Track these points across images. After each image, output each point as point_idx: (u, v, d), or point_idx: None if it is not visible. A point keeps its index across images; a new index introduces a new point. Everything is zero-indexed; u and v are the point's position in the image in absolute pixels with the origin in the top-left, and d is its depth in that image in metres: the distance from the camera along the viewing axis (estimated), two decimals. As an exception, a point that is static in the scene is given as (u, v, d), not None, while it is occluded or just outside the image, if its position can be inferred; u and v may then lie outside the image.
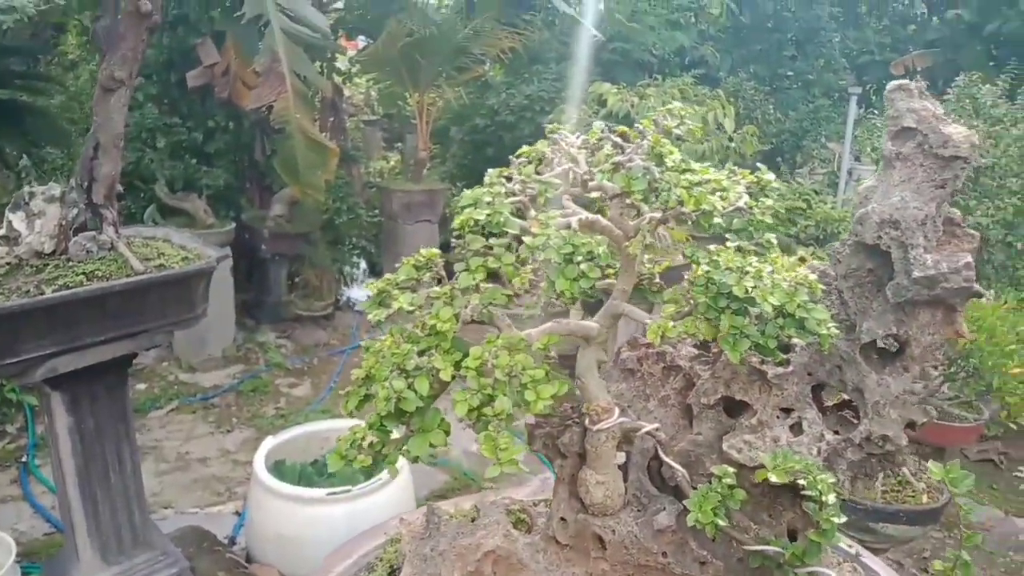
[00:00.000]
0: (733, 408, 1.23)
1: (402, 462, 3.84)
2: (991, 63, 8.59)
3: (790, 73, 10.02)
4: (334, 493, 3.44)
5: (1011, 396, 3.08)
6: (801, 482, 1.01)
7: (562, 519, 1.21)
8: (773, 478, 1.00)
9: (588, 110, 4.89)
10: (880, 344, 1.13)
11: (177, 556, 3.20)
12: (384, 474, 3.48)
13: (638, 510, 1.20)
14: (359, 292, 6.98)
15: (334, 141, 5.89)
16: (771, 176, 1.17)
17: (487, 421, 0.94)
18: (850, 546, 1.42)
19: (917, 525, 3.35)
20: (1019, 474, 2.47)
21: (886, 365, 1.15)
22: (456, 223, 1.05)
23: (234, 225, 5.99)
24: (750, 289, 0.98)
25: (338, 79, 6.87)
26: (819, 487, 0.99)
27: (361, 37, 7.58)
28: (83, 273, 2.58)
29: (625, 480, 1.23)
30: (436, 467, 4.84)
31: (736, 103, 8.33)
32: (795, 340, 1.16)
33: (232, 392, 5.89)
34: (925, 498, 3.44)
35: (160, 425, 5.47)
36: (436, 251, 1.08)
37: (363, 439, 1.02)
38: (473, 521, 1.27)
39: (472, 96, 7.57)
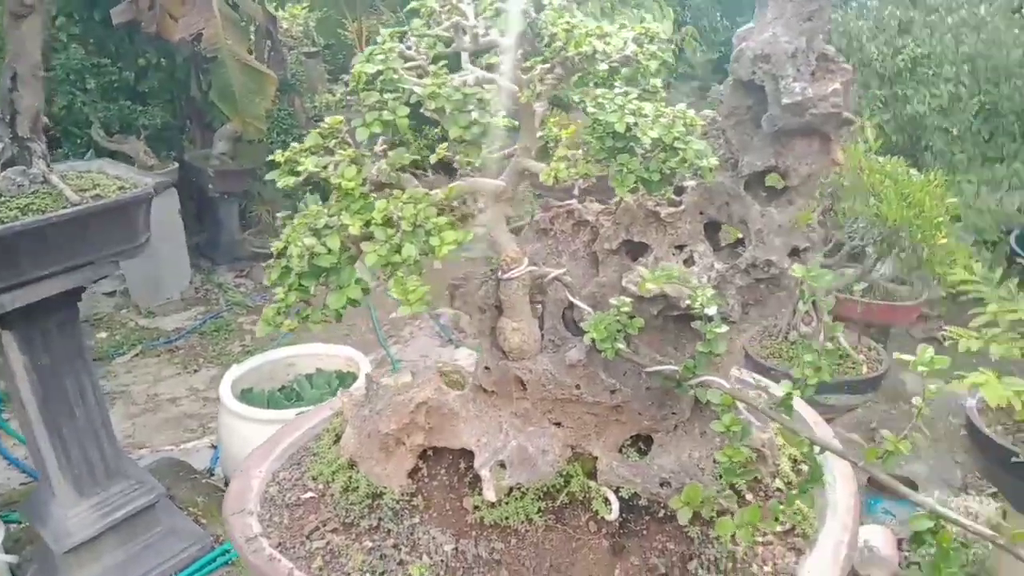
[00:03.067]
0: (635, 252, 1.30)
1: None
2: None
3: (736, -23, 9.89)
4: (303, 412, 3.52)
5: (940, 266, 3.22)
6: (686, 302, 1.09)
7: (486, 368, 1.29)
8: (650, 286, 1.08)
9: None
10: (768, 184, 1.20)
11: (153, 484, 3.28)
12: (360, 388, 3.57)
13: (553, 352, 1.28)
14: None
15: (272, 71, 5.74)
16: (659, 27, 1.22)
17: (396, 267, 1.00)
18: (758, 380, 1.54)
19: (858, 394, 3.56)
20: (945, 333, 2.62)
21: (773, 200, 1.23)
22: (350, 79, 1.08)
23: (177, 165, 5.86)
24: (631, 125, 1.04)
25: (271, 5, 6.64)
26: (700, 299, 1.07)
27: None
28: (17, 208, 2.54)
29: (541, 328, 1.31)
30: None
31: (681, 12, 8.25)
32: (687, 182, 1.23)
33: (195, 334, 5.89)
34: (865, 369, 3.64)
35: (126, 371, 5.47)
36: (339, 118, 1.11)
37: (287, 303, 1.08)
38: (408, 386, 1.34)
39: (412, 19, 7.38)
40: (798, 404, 1.50)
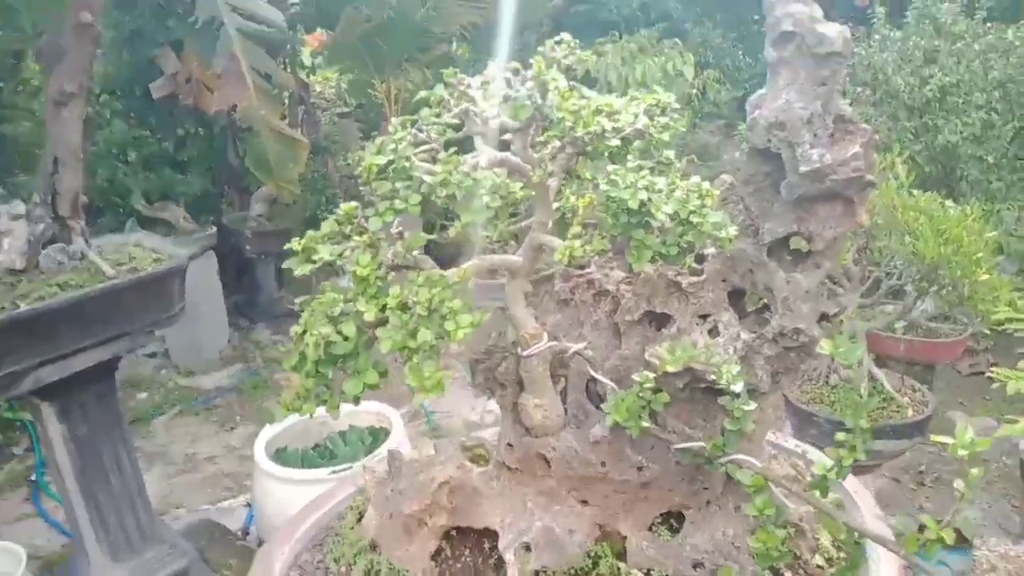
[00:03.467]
0: (658, 322, 1.28)
1: (401, 437, 3.91)
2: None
3: (756, 17, 9.95)
4: (336, 471, 3.51)
5: (982, 303, 3.12)
6: (712, 376, 1.06)
7: (509, 444, 1.27)
8: (670, 368, 1.05)
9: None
10: (793, 247, 1.17)
11: (186, 548, 3.28)
12: (383, 449, 3.55)
13: (577, 428, 1.25)
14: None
15: (305, 135, 5.91)
16: (671, 97, 1.21)
17: (412, 353, 0.99)
18: (797, 446, 1.48)
19: (904, 439, 3.42)
20: (991, 374, 2.52)
21: (798, 264, 1.20)
22: (360, 170, 1.09)
23: (215, 229, 6.03)
24: (645, 201, 1.02)
25: (302, 73, 6.87)
26: (725, 376, 1.04)
27: (319, 29, 7.55)
28: (56, 284, 2.62)
29: (565, 403, 1.28)
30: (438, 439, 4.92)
31: (704, 52, 8.30)
32: (708, 250, 1.21)
33: (233, 392, 5.96)
34: (910, 412, 3.51)
35: (165, 430, 5.55)
36: (354, 204, 1.12)
37: (306, 388, 1.07)
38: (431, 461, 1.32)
39: (440, 76, 7.54)
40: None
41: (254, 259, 6.51)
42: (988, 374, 2.86)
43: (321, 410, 3.84)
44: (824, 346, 1.04)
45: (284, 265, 1.12)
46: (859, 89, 5.59)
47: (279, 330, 6.76)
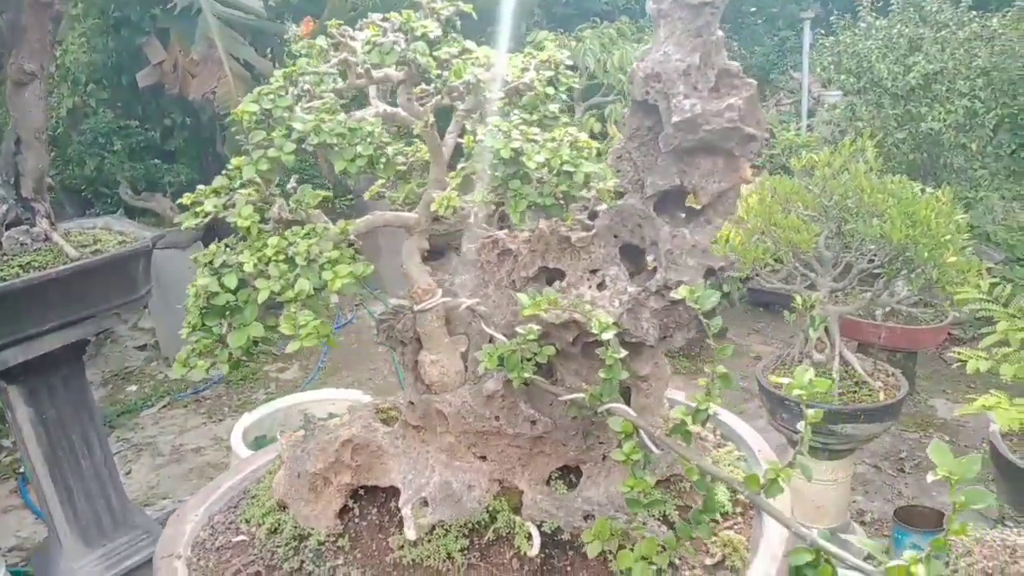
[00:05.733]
0: (554, 278, 1.28)
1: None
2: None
3: (753, 9, 9.92)
4: (255, 454, 3.50)
5: (951, 286, 3.10)
6: (578, 317, 1.06)
7: (410, 402, 1.28)
8: (526, 312, 1.06)
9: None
10: (688, 206, 1.17)
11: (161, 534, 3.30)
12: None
13: (474, 384, 1.26)
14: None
15: (290, 124, 5.92)
16: (564, 54, 1.21)
17: (291, 302, 1.00)
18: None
19: (876, 422, 3.40)
20: (953, 355, 2.51)
21: (691, 220, 1.20)
22: (233, 117, 1.09)
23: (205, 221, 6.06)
24: (516, 151, 1.03)
25: (290, 62, 6.88)
26: (595, 324, 1.04)
27: (309, 17, 7.57)
28: (19, 266, 2.64)
29: (467, 361, 1.29)
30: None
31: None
32: (600, 206, 1.21)
33: (221, 383, 5.99)
34: (882, 395, 3.49)
35: (153, 422, 5.59)
36: (243, 159, 1.13)
37: (200, 345, 1.08)
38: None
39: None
40: (744, 431, 1.45)
41: (243, 250, 6.55)
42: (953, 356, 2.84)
43: (301, 397, 3.84)
44: (681, 291, 1.04)
45: (176, 219, 1.13)
46: (843, 77, 5.57)
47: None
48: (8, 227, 2.73)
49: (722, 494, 1.26)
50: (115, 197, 5.86)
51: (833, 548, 0.85)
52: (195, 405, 5.76)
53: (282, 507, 1.32)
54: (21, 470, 4.91)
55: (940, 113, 4.98)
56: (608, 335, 1.05)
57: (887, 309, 4.42)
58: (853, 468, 3.93)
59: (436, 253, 1.43)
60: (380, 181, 1.32)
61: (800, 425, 0.90)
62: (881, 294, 3.57)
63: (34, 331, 2.65)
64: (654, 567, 0.94)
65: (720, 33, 1.12)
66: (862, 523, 4.03)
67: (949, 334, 4.83)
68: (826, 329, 3.65)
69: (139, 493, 4.67)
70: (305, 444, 1.31)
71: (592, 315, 1.06)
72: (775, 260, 3.64)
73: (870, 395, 3.50)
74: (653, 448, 1.00)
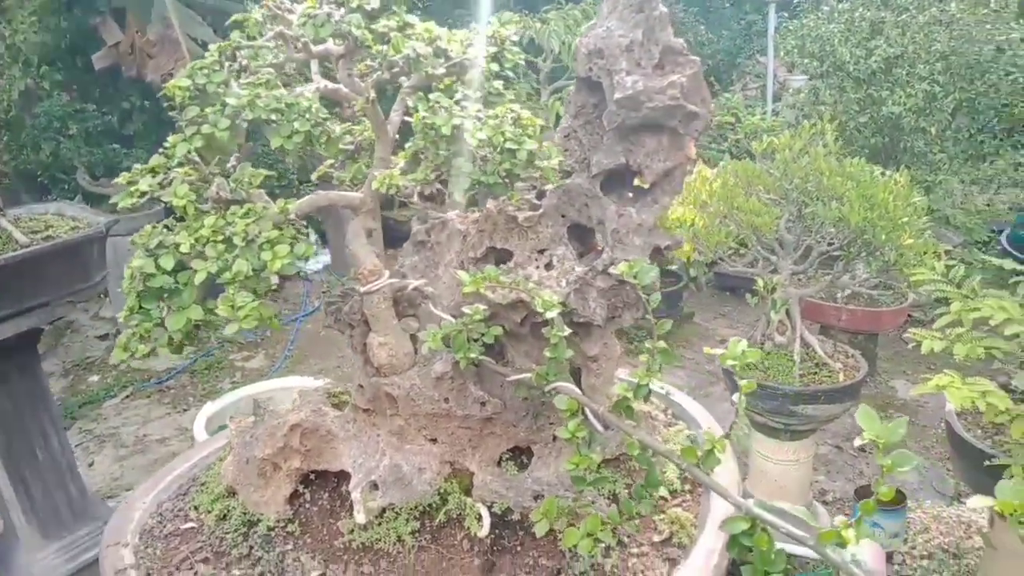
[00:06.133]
0: (503, 259, 1.27)
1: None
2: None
3: (724, -8, 9.95)
4: (205, 440, 3.46)
5: (908, 268, 3.15)
6: (523, 296, 1.05)
7: (360, 386, 1.27)
8: (466, 290, 1.05)
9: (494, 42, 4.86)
10: (636, 185, 1.17)
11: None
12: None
13: (424, 366, 1.25)
14: (309, 261, 6.96)
15: (252, 109, 5.81)
16: (510, 31, 1.20)
17: (228, 284, 0.98)
18: (662, 387, 1.49)
19: (836, 403, 3.45)
20: (906, 337, 2.56)
21: (637, 200, 1.20)
22: (167, 91, 1.07)
23: (164, 205, 5.93)
24: (456, 127, 1.02)
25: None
26: (539, 303, 1.04)
27: None
28: (-34, 252, 2.56)
29: (417, 344, 1.28)
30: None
31: (664, 28, 8.29)
32: (548, 186, 1.21)
33: (186, 373, 5.91)
34: (842, 376, 3.55)
35: (116, 413, 5.49)
36: (179, 136, 1.10)
37: (141, 327, 1.06)
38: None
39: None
40: (691, 407, 1.46)
41: (206, 238, 6.43)
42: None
43: (267, 385, 3.79)
44: (620, 267, 1.04)
45: (112, 200, 1.09)
46: (807, 61, 5.61)
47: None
48: (-46, 213, 2.65)
49: (672, 472, 1.27)
50: (72, 183, 5.71)
51: (768, 516, 0.86)
52: (159, 395, 5.68)
53: (231, 493, 1.31)
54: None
55: (900, 97, 5.05)
56: (552, 313, 1.05)
57: (848, 292, 4.49)
58: (815, 448, 3.99)
59: (402, 238, 1.41)
60: (328, 161, 1.30)
61: (735, 397, 0.90)
62: (841, 276, 3.61)
63: (-16, 320, 2.58)
64: (601, 544, 0.95)
65: (664, 9, 1.11)
66: (824, 502, 4.10)
67: (909, 316, 4.92)
68: (787, 312, 3.70)
69: (102, 485, 4.59)
70: (254, 430, 1.29)
71: (536, 294, 1.06)
72: (739, 244, 3.67)
73: (830, 376, 3.55)
74: (599, 427, 1.00)
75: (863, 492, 3.72)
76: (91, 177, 5.66)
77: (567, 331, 1.06)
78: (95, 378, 5.84)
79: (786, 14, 5.92)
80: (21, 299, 2.64)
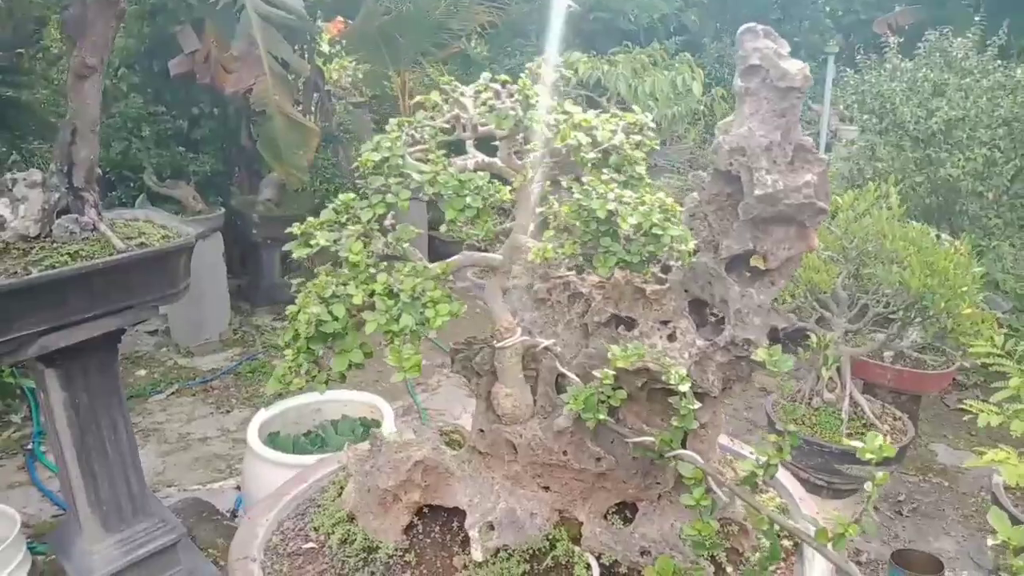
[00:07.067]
0: (624, 325, 1.36)
1: (392, 430, 3.98)
2: (976, 18, 8.58)
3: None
4: (317, 463, 3.57)
5: (964, 336, 3.19)
6: (651, 366, 1.14)
7: (480, 430, 1.35)
8: (620, 363, 1.14)
9: (562, 79, 4.99)
10: (753, 264, 1.25)
11: (176, 523, 3.36)
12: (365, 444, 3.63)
13: (544, 418, 1.34)
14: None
15: (318, 123, 5.98)
16: (647, 117, 1.29)
17: (394, 336, 1.08)
18: (751, 452, 1.56)
19: (880, 465, 3.48)
20: (963, 408, 2.60)
21: (755, 280, 1.28)
22: (357, 163, 1.17)
23: (223, 211, 6.11)
24: (612, 211, 1.11)
25: (319, 60, 6.95)
26: (673, 376, 1.12)
27: (339, 17, 7.63)
28: (68, 253, 2.70)
29: (535, 395, 1.37)
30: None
31: (719, 68, 8.38)
32: (672, 262, 1.29)
33: (230, 374, 6.03)
34: (888, 439, 3.58)
35: (161, 408, 5.62)
36: (352, 195, 1.21)
37: (297, 364, 1.16)
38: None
39: (455, 72, 7.64)
40: (784, 478, 1.53)
41: (260, 243, 6.59)
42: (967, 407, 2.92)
43: (315, 396, 3.91)
44: (760, 354, 1.12)
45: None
46: (866, 117, 5.66)
47: (280, 316, 6.82)
48: (58, 215, 2.80)
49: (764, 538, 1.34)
50: (139, 182, 5.90)
51: None
52: (203, 394, 5.80)
53: (351, 519, 1.40)
54: (28, 447, 4.95)
55: (959, 160, 5.08)
56: (684, 387, 1.13)
57: (894, 353, 4.50)
58: (854, 508, 4.01)
59: (446, 254, 1.49)
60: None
61: (851, 469, 0.96)
62: (895, 339, 3.66)
63: (78, 318, 2.71)
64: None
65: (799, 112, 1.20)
66: (858, 563, 4.10)
67: (954, 379, 4.91)
68: (838, 369, 3.74)
69: (145, 479, 4.72)
70: (374, 460, 1.38)
71: (669, 367, 1.14)
72: (789, 296, 3.73)
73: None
74: (721, 495, 1.08)
75: (899, 557, 3.72)
76: (158, 178, 5.86)
77: (697, 404, 1.15)
78: (142, 372, 6.00)
79: (844, 66, 5.96)
80: (112, 301, 2.77)
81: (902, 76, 5.56)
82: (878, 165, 5.35)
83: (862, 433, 3.65)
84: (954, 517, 4.20)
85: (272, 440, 3.96)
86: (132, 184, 5.94)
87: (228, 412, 5.54)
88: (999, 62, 5.38)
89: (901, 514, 4.29)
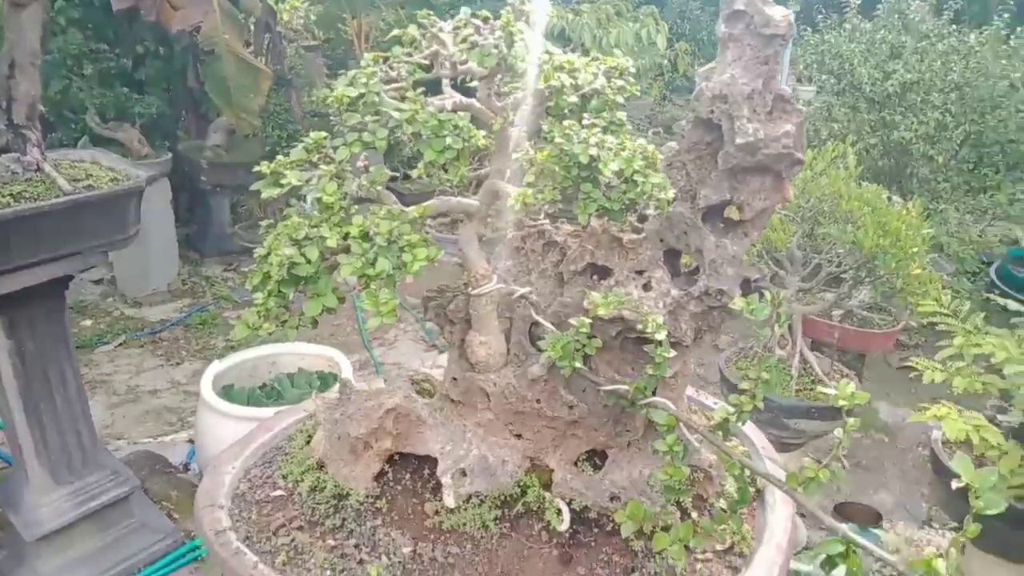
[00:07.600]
0: (599, 274, 1.36)
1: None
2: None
3: (735, -5, 9.98)
4: (280, 412, 3.54)
5: (912, 296, 3.30)
6: (640, 325, 1.15)
7: (453, 379, 1.35)
8: (601, 312, 1.14)
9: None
10: (727, 216, 1.26)
11: (128, 475, 3.30)
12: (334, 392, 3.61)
13: (517, 366, 1.34)
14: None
15: (270, 66, 5.76)
16: (628, 62, 1.28)
17: (370, 280, 1.05)
18: (715, 403, 1.60)
19: (827, 420, 3.62)
20: (907, 366, 2.70)
21: (729, 231, 1.29)
22: (330, 99, 1.13)
23: (170, 155, 5.88)
24: (594, 157, 1.10)
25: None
26: (650, 325, 1.13)
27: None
28: (9, 195, 2.57)
29: (508, 343, 1.37)
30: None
31: (681, 24, 8.33)
32: (649, 211, 1.29)
33: (180, 326, 5.89)
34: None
35: (109, 360, 5.47)
36: (323, 134, 1.17)
37: (266, 308, 1.13)
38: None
39: (413, 18, 7.41)
40: (750, 430, 1.57)
41: (208, 191, 6.37)
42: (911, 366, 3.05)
43: (270, 349, 3.83)
44: (737, 303, 1.14)
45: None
46: (824, 77, 5.71)
47: (230, 267, 6.66)
48: (-1, 154, 2.66)
49: (730, 485, 1.38)
50: (80, 124, 5.62)
51: (862, 541, 0.98)
52: (152, 346, 5.66)
53: (320, 466, 1.39)
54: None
55: (912, 123, 5.18)
56: (661, 335, 1.14)
57: (842, 311, 4.64)
58: (800, 462, 4.17)
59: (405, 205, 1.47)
60: (426, 160, 1.36)
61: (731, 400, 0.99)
62: (845, 298, 3.77)
63: (23, 263, 2.60)
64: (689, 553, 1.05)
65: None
66: (801, 515, 4.28)
67: (898, 339, 5.09)
68: (789, 327, 3.85)
69: (94, 431, 4.61)
70: (344, 408, 1.37)
71: (647, 315, 1.15)
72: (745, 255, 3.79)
73: (825, 394, 3.71)
74: (693, 441, 1.10)
75: (841, 509, 3.89)
76: (101, 119, 5.59)
77: (672, 352, 1.16)
78: (88, 322, 5.82)
79: (809, 29, 5.98)
80: (59, 246, 2.66)
81: (861, 37, 5.60)
82: (834, 126, 5.42)
83: (810, 389, 3.79)
84: (893, 472, 4.40)
85: (226, 393, 3.90)
86: (74, 126, 5.66)
87: (178, 364, 5.43)
88: (954, 27, 5.46)
89: (843, 468, 4.48)
